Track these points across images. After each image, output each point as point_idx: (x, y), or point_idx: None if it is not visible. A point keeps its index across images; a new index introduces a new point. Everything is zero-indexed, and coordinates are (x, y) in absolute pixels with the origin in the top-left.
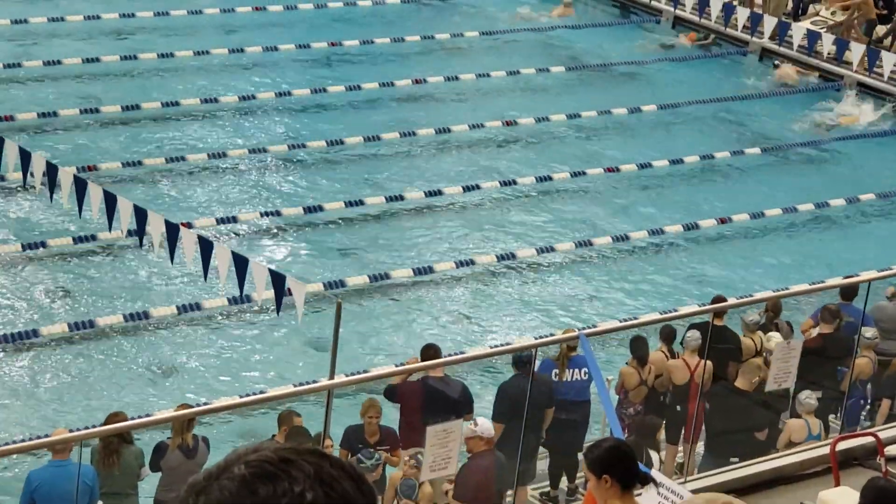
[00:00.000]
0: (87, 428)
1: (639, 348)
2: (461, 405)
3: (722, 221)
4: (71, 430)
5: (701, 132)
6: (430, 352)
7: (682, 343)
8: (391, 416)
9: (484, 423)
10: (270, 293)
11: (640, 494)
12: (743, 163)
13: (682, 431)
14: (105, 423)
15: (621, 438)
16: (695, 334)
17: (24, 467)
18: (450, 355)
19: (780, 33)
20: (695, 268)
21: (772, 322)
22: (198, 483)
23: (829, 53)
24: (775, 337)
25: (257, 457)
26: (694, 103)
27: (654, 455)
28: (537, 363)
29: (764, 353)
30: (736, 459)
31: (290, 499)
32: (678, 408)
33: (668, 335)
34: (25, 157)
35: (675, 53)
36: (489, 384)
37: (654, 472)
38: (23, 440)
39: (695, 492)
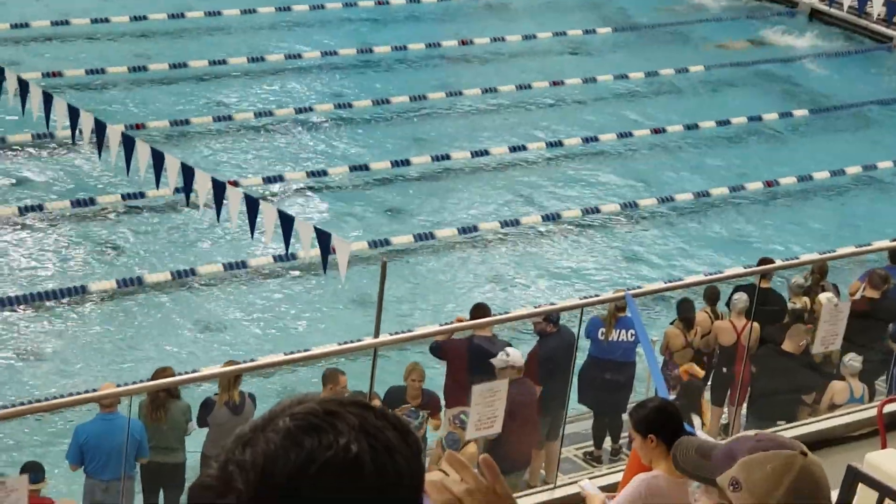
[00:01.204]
0: (135, 383)
1: (686, 310)
2: None
3: (768, 184)
4: (118, 385)
5: (748, 93)
6: (479, 311)
7: (727, 304)
8: (436, 381)
9: (514, 353)
10: (316, 251)
11: None
12: (791, 124)
13: (728, 393)
14: (152, 379)
15: (667, 399)
16: (742, 296)
17: (70, 422)
18: (494, 315)
19: None
20: (741, 229)
21: (818, 284)
22: (244, 434)
23: (878, 15)
24: (824, 297)
25: (302, 409)
26: (741, 64)
27: (695, 419)
28: (584, 322)
29: (807, 316)
30: (783, 423)
31: (336, 451)
32: (724, 369)
33: (711, 296)
34: (74, 114)
35: (723, 13)
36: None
37: (700, 433)
38: (70, 394)
39: None
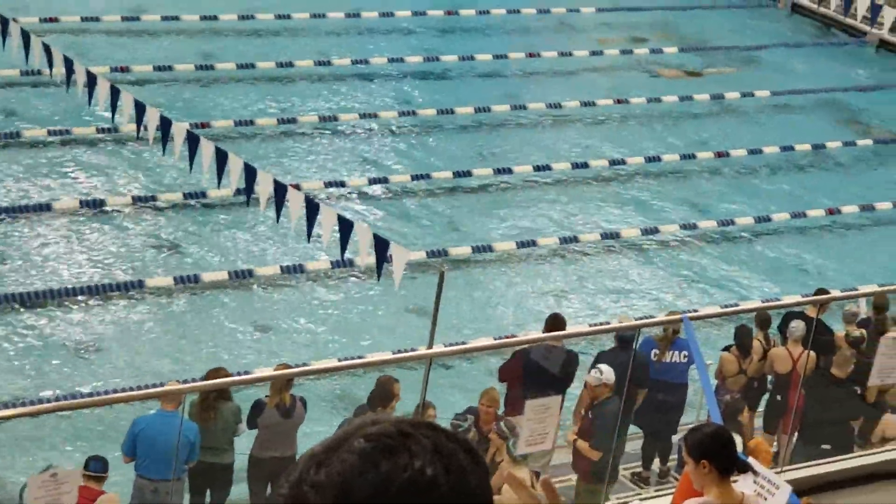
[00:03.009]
0: (185, 382)
1: (743, 336)
2: (559, 380)
3: (830, 212)
4: (182, 383)
5: (813, 121)
6: (554, 321)
7: (779, 328)
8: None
9: (607, 370)
10: (373, 258)
11: (735, 482)
12: (854, 154)
13: (781, 422)
14: (206, 379)
15: (721, 424)
16: (800, 324)
17: (125, 415)
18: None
19: None
20: (801, 257)
21: (880, 320)
22: (317, 454)
23: None
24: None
25: (376, 430)
26: (808, 92)
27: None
28: (639, 341)
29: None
30: (828, 447)
31: (412, 474)
32: (778, 397)
33: (763, 321)
34: (140, 109)
35: (792, 39)
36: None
37: (752, 461)
38: (124, 389)
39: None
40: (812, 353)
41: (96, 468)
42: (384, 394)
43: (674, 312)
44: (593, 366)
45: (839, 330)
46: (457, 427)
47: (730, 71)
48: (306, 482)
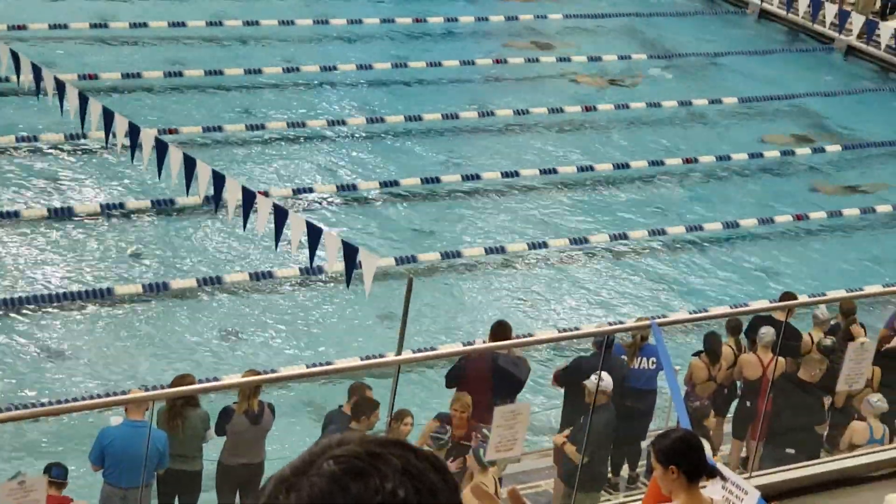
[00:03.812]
0: (157, 388)
1: (712, 343)
2: (517, 385)
3: (798, 218)
4: (146, 390)
5: (781, 127)
6: (500, 328)
7: (745, 334)
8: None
9: (608, 377)
10: (342, 265)
11: (704, 487)
12: (823, 159)
13: (749, 427)
14: (172, 386)
15: (689, 430)
16: (769, 330)
17: (91, 423)
18: (518, 337)
19: (868, 31)
20: (767, 262)
21: (848, 326)
22: (285, 478)
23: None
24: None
25: (344, 451)
26: (776, 98)
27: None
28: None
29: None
30: (791, 451)
31: (383, 496)
32: (748, 403)
33: (734, 328)
34: (108, 116)
35: (759, 46)
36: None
37: (721, 466)
38: (91, 397)
39: (758, 487)
40: (781, 360)
41: (58, 475)
42: (367, 402)
43: (643, 318)
44: (572, 370)
45: (807, 332)
46: (437, 440)
47: (640, 80)
48: None
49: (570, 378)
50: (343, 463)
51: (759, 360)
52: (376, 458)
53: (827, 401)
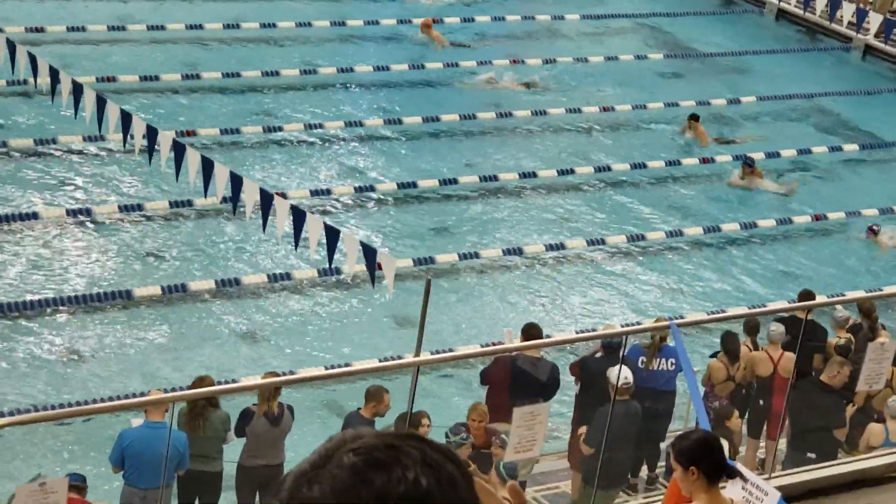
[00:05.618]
0: (177, 390)
1: (730, 343)
2: (548, 388)
3: (816, 218)
4: (165, 391)
5: (799, 126)
6: (531, 330)
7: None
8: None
9: (629, 374)
10: (360, 266)
11: (723, 488)
12: (840, 158)
13: (765, 426)
14: (191, 387)
15: (709, 430)
16: (779, 328)
17: (115, 425)
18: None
19: (886, 31)
20: (785, 262)
21: (870, 326)
22: (305, 472)
23: None
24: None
25: (363, 444)
26: (794, 97)
27: (724, 443)
28: (626, 348)
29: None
30: (812, 455)
31: (406, 486)
32: (761, 402)
33: (752, 328)
34: (126, 119)
35: (779, 44)
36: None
37: (741, 467)
38: (111, 398)
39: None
40: (792, 355)
41: (77, 479)
42: (377, 389)
43: (660, 318)
44: (582, 368)
45: (830, 335)
46: (455, 444)
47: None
48: (297, 499)
49: (585, 374)
50: (363, 455)
51: (768, 357)
52: (395, 450)
53: (850, 409)
